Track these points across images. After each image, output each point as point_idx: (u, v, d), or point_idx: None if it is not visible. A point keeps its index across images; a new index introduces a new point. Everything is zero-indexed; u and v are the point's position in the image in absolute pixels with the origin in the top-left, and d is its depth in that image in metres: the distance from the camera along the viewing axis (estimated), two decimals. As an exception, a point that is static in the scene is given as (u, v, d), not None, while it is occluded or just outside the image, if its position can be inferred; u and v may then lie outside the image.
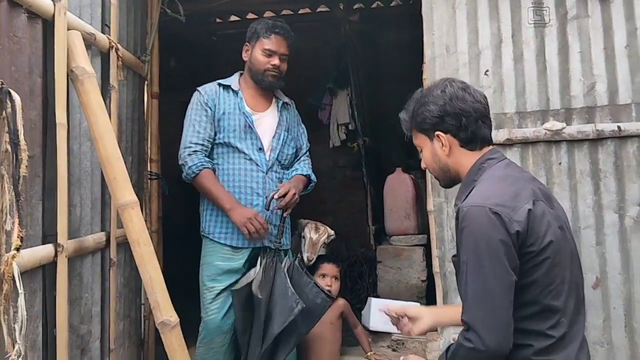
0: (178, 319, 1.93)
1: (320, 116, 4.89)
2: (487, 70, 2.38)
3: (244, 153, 2.46)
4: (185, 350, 1.94)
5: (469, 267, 1.33)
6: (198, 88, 2.55)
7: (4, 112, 1.33)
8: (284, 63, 2.53)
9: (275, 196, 2.34)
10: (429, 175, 2.48)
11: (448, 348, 1.46)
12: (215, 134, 2.47)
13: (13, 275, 1.32)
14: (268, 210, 2.38)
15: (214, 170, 2.44)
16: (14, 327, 1.32)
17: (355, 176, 5.01)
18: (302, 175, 2.59)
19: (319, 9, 4.49)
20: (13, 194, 1.33)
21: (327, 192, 4.98)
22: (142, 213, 2.16)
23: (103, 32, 2.19)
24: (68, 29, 1.82)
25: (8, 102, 1.34)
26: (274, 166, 2.52)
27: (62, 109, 1.75)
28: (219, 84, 2.55)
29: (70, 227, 1.83)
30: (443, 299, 2.40)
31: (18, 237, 1.32)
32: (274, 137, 2.54)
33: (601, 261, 2.21)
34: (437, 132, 1.51)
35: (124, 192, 1.92)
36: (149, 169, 2.84)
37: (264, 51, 2.48)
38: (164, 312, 1.90)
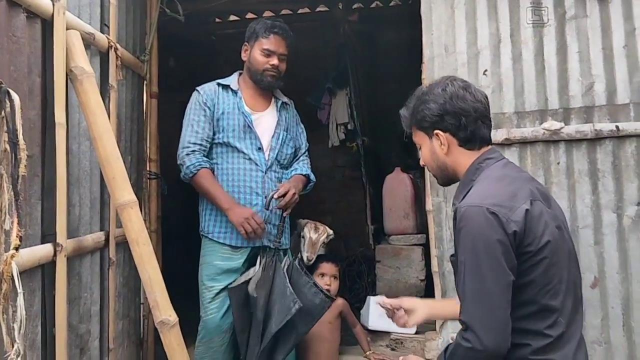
0: (177, 319, 1.93)
1: (319, 116, 4.89)
2: (485, 70, 2.38)
3: (243, 153, 2.46)
4: (184, 349, 1.94)
5: (466, 267, 1.34)
6: (197, 88, 2.55)
7: (3, 112, 1.33)
8: (283, 63, 2.53)
9: (275, 196, 2.35)
10: (427, 175, 2.48)
11: (446, 348, 1.47)
12: (215, 134, 2.48)
13: (12, 275, 1.32)
14: (268, 209, 2.38)
15: (212, 169, 2.45)
16: (13, 326, 1.32)
17: (354, 176, 5.02)
18: (302, 175, 2.59)
19: (318, 9, 4.49)
20: (12, 193, 1.33)
21: (326, 191, 4.99)
22: (141, 212, 2.16)
23: (102, 31, 2.19)
24: (67, 29, 1.82)
25: (7, 101, 1.34)
26: (273, 166, 2.52)
27: (61, 108, 1.75)
28: (218, 84, 2.55)
29: (69, 227, 1.83)
30: (442, 298, 2.40)
31: (17, 236, 1.32)
32: (273, 136, 2.54)
33: (599, 260, 2.22)
34: (436, 131, 1.51)
35: (123, 192, 1.92)
36: (148, 169, 2.85)
37: (263, 51, 2.48)
38: (163, 311, 1.90)
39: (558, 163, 2.29)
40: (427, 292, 3.40)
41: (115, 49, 2.25)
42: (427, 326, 2.83)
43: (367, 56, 4.86)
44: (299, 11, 4.55)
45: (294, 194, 2.39)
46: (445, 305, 1.87)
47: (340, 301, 2.90)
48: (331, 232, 3.01)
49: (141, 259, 1.92)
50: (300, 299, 2.23)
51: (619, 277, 2.19)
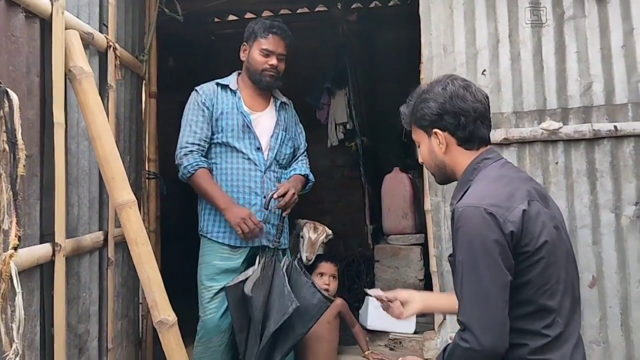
0: (176, 318, 1.93)
1: (318, 116, 4.89)
2: (484, 70, 2.38)
3: (242, 152, 2.46)
4: (183, 349, 1.94)
5: (464, 268, 1.34)
6: (196, 87, 2.55)
7: (1, 112, 1.33)
8: (281, 63, 2.53)
9: (275, 196, 2.35)
10: (426, 175, 2.48)
11: (445, 348, 1.47)
12: (213, 134, 2.48)
13: (11, 275, 1.32)
14: (267, 209, 2.39)
15: (210, 169, 2.45)
16: (12, 326, 1.32)
17: (353, 176, 5.02)
18: (301, 175, 2.60)
19: (317, 9, 4.48)
20: (11, 193, 1.33)
21: (325, 191, 4.99)
22: (140, 212, 2.16)
23: (101, 31, 2.19)
24: (66, 29, 1.82)
25: (6, 101, 1.34)
26: (272, 165, 2.52)
27: (60, 108, 1.75)
28: (217, 84, 2.55)
29: (68, 227, 1.83)
30: (440, 295, 2.41)
31: (16, 236, 1.32)
32: (272, 136, 2.54)
33: (597, 260, 2.22)
34: (435, 130, 1.51)
35: (121, 192, 1.92)
36: (147, 169, 2.84)
37: (262, 51, 2.48)
38: (162, 311, 1.90)
39: (556, 163, 2.29)
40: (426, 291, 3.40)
41: (114, 49, 2.25)
42: (425, 326, 2.85)
43: (366, 56, 4.87)
44: (298, 11, 4.55)
45: (294, 194, 2.39)
46: (442, 298, 1.86)
47: (339, 301, 2.90)
48: (330, 232, 3.01)
49: (140, 258, 1.92)
50: (299, 299, 2.23)
51: (617, 276, 2.20)
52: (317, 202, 4.69)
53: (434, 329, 2.50)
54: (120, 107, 2.38)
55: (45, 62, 1.74)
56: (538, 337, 1.33)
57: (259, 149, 2.49)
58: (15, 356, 1.31)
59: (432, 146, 1.54)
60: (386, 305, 1.74)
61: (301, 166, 2.64)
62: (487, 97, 1.53)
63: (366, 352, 2.91)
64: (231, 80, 2.57)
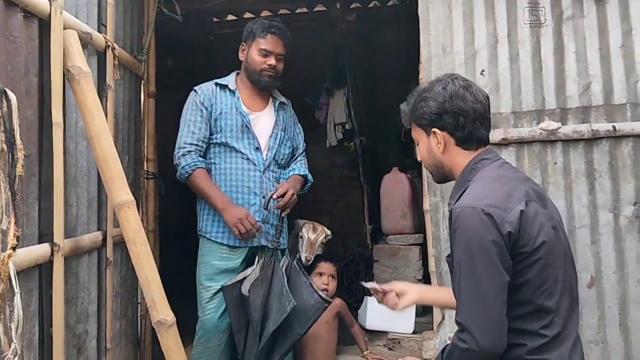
0: (174, 318, 1.94)
1: (317, 116, 4.89)
2: (483, 70, 2.38)
3: (241, 152, 2.46)
4: (181, 349, 1.94)
5: (462, 268, 1.34)
6: (195, 87, 2.55)
7: (0, 112, 1.33)
8: (280, 63, 2.53)
9: (274, 196, 2.35)
10: (425, 175, 2.48)
11: (444, 349, 1.47)
12: (212, 134, 2.48)
13: (9, 275, 1.32)
14: (266, 209, 2.39)
15: (208, 170, 2.45)
16: (10, 326, 1.32)
17: (352, 176, 5.02)
18: (300, 175, 2.60)
19: (316, 9, 4.48)
20: (9, 193, 1.32)
21: (324, 191, 4.99)
22: (139, 212, 2.16)
23: (99, 31, 2.19)
24: (64, 28, 1.82)
25: (4, 101, 1.34)
26: (270, 166, 2.52)
27: (59, 108, 1.75)
28: (216, 84, 2.55)
29: (66, 227, 1.83)
30: (439, 298, 2.41)
31: (14, 236, 1.32)
32: (270, 136, 2.54)
33: (596, 260, 2.23)
34: (433, 129, 1.51)
35: (120, 192, 1.92)
36: (145, 169, 2.85)
37: (260, 51, 2.48)
38: (161, 311, 1.90)
39: (555, 163, 2.30)
40: (425, 291, 3.40)
41: (113, 49, 2.25)
42: (424, 326, 2.85)
43: (364, 56, 4.87)
44: (297, 11, 4.55)
45: (293, 194, 2.40)
46: (439, 291, 1.85)
47: (337, 301, 2.90)
48: (329, 232, 3.01)
49: (138, 258, 1.92)
50: (298, 300, 2.23)
51: (615, 276, 2.20)
52: (316, 202, 4.69)
53: (432, 329, 2.50)
54: (118, 107, 2.38)
55: (43, 62, 1.74)
56: (536, 337, 1.33)
57: (257, 149, 2.49)
58: (14, 356, 1.31)
59: (430, 145, 1.54)
60: (381, 296, 1.73)
61: (300, 166, 2.65)
62: (488, 98, 1.53)
63: (365, 352, 2.91)
64: (230, 80, 2.57)
